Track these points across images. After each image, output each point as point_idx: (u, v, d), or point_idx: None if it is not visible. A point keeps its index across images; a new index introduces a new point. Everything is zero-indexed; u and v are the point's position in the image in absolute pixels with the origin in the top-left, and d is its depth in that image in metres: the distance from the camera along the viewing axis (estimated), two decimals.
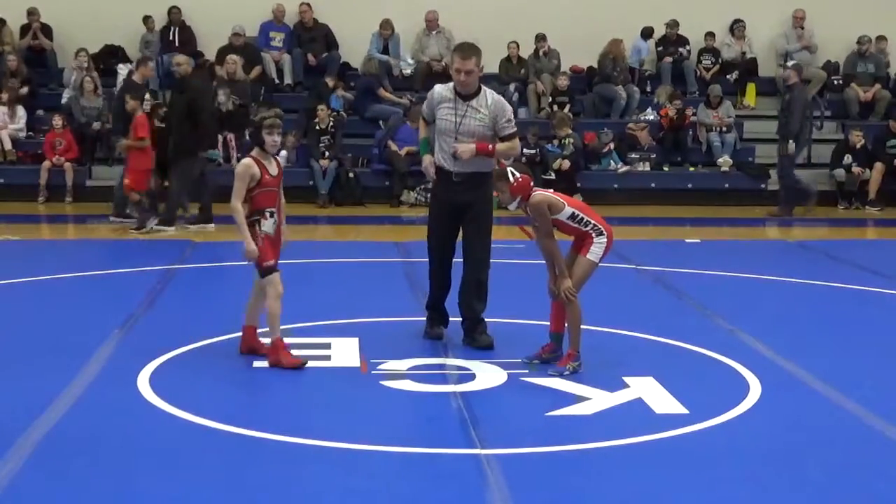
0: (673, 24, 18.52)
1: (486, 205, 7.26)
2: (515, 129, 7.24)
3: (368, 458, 5.12)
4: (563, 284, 6.59)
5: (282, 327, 6.76)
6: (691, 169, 17.04)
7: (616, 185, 16.55)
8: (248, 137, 6.92)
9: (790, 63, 16.68)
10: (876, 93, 18.17)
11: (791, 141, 15.13)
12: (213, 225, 13.09)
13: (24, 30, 17.78)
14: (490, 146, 7.05)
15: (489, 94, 7.15)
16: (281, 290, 6.74)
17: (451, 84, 7.20)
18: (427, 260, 7.48)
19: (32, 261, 10.99)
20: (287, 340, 6.93)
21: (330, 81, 17.05)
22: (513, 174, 6.63)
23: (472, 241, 7.29)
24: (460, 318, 7.37)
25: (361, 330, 7.04)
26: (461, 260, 7.39)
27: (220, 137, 15.97)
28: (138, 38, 17.99)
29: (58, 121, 16.04)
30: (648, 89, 18.29)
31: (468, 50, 7.03)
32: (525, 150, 16.19)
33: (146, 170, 12.88)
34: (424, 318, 7.51)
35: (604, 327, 7.78)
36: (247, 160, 6.81)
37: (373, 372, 6.57)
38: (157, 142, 12.86)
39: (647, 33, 18.46)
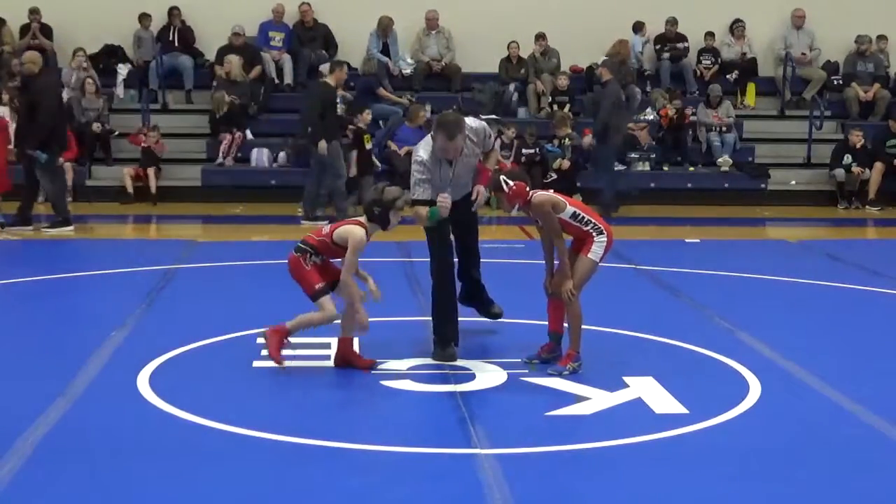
0: (672, 22, 18.53)
1: (474, 213, 7.43)
2: (493, 138, 7.35)
3: (368, 458, 5.12)
4: (564, 285, 6.59)
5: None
6: (691, 169, 17.04)
7: None
8: (366, 210, 6.49)
9: (601, 60, 16.56)
10: (876, 92, 18.17)
11: (615, 135, 14.94)
12: (31, 227, 12.95)
13: (24, 30, 17.77)
14: (488, 174, 7.09)
15: (467, 129, 6.94)
16: (333, 315, 6.50)
17: (429, 146, 6.91)
18: (430, 261, 7.45)
19: (32, 261, 10.99)
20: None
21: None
22: (506, 183, 6.65)
23: (466, 241, 7.49)
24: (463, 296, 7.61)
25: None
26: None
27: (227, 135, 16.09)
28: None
29: None
30: (648, 89, 18.29)
31: (454, 129, 6.75)
32: (524, 150, 16.21)
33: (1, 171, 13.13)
34: (423, 319, 7.48)
35: (604, 327, 7.78)
36: (362, 232, 6.45)
37: (373, 372, 6.57)
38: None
39: (637, 27, 18.46)
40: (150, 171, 15.86)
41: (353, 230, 6.50)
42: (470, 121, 7.12)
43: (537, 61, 17.96)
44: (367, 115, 15.35)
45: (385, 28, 17.84)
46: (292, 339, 6.67)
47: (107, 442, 5.29)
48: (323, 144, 13.46)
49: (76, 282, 9.64)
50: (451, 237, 7.30)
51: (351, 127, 15.08)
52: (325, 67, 15.79)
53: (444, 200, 6.84)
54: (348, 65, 18.20)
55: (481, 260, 7.78)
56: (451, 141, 6.74)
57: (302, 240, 6.67)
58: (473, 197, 7.17)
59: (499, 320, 7.90)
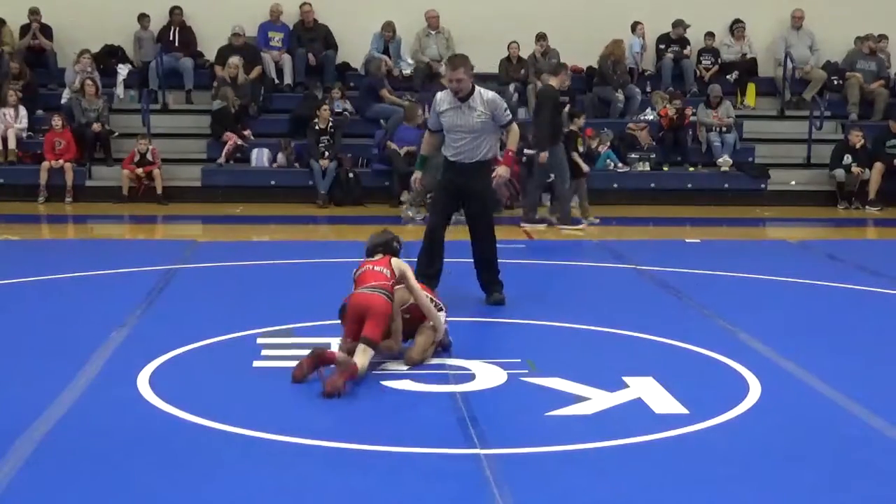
0: (678, 24, 18.54)
1: (485, 187, 8.36)
2: (511, 115, 8.41)
3: (368, 458, 5.12)
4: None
5: (282, 327, 6.77)
6: (691, 169, 17.05)
7: (616, 185, 16.56)
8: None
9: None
10: (875, 89, 18.15)
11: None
12: None
13: (24, 30, 17.78)
14: (510, 154, 8.42)
15: (483, 94, 8.17)
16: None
17: (447, 92, 8.20)
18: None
19: (32, 261, 10.99)
20: (288, 340, 7.04)
21: (336, 89, 17.07)
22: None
23: (476, 217, 8.40)
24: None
25: None
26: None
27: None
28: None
29: (58, 121, 16.06)
30: (648, 89, 18.30)
31: (456, 61, 8.07)
32: (525, 151, 16.19)
33: None
34: None
35: (604, 327, 7.79)
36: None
37: (373, 372, 6.57)
38: None
39: (634, 28, 18.46)
40: (156, 172, 15.85)
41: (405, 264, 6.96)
42: (485, 91, 8.24)
43: (537, 61, 17.95)
44: (580, 119, 15.09)
45: (388, 30, 17.85)
46: (295, 339, 6.67)
47: (107, 442, 5.29)
48: (545, 154, 13.31)
49: (76, 282, 9.64)
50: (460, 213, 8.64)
51: (564, 129, 14.65)
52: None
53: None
54: (349, 65, 18.29)
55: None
56: (453, 71, 7.99)
57: (380, 288, 6.60)
58: (493, 175, 8.27)
59: (499, 320, 7.91)
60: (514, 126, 8.38)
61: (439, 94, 8.31)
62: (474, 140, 8.17)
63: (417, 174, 8.60)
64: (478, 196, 8.33)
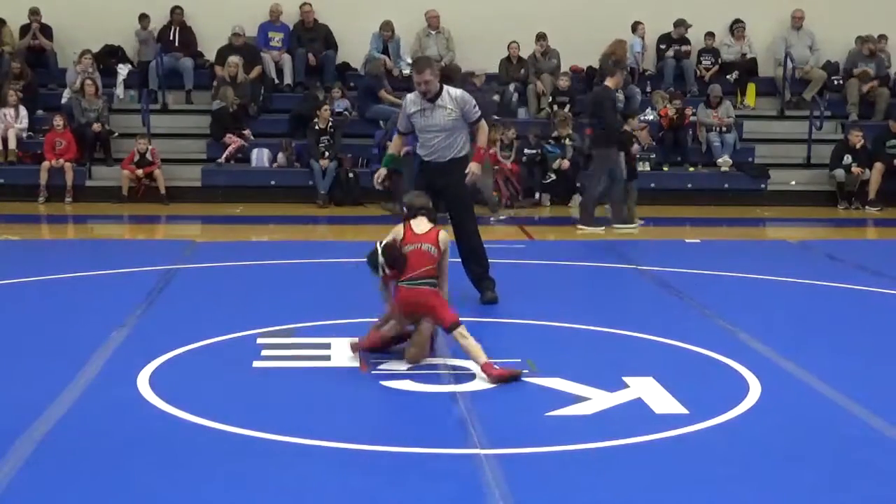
0: (679, 24, 18.53)
1: (462, 184, 8.44)
2: (480, 111, 8.46)
3: (368, 458, 5.12)
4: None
5: (283, 327, 6.76)
6: (691, 169, 17.05)
7: None
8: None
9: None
10: (876, 88, 18.15)
11: None
12: None
13: (24, 30, 17.78)
14: (481, 151, 8.52)
15: (452, 92, 8.37)
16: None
17: (415, 93, 8.40)
18: None
19: (32, 261, 10.99)
20: (288, 340, 7.02)
21: (336, 89, 17.07)
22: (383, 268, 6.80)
23: (459, 215, 8.52)
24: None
25: (361, 330, 7.03)
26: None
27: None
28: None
29: (58, 121, 16.07)
30: (649, 89, 18.30)
31: (421, 64, 8.31)
32: (526, 150, 16.22)
33: None
34: None
35: (604, 327, 7.78)
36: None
37: (373, 372, 6.57)
38: None
39: (634, 28, 18.46)
40: (157, 172, 15.87)
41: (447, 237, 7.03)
42: (453, 90, 8.42)
43: (538, 61, 17.96)
44: (634, 121, 15.01)
45: (386, 30, 17.85)
46: (295, 340, 6.66)
47: (107, 442, 5.29)
48: (637, 147, 13.33)
49: (76, 282, 9.64)
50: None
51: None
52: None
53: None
54: (349, 65, 18.29)
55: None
56: (419, 74, 8.16)
57: (425, 277, 6.68)
58: (466, 171, 8.35)
59: (498, 320, 7.90)
60: (483, 123, 8.50)
61: (409, 96, 8.49)
62: (447, 138, 8.33)
63: (382, 170, 8.62)
64: (455, 192, 8.43)
